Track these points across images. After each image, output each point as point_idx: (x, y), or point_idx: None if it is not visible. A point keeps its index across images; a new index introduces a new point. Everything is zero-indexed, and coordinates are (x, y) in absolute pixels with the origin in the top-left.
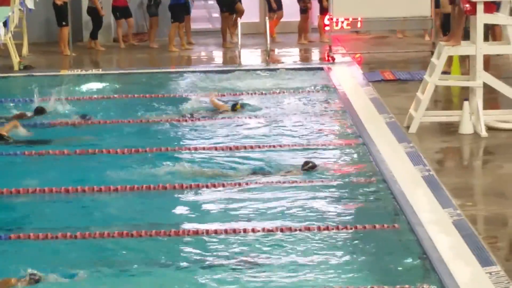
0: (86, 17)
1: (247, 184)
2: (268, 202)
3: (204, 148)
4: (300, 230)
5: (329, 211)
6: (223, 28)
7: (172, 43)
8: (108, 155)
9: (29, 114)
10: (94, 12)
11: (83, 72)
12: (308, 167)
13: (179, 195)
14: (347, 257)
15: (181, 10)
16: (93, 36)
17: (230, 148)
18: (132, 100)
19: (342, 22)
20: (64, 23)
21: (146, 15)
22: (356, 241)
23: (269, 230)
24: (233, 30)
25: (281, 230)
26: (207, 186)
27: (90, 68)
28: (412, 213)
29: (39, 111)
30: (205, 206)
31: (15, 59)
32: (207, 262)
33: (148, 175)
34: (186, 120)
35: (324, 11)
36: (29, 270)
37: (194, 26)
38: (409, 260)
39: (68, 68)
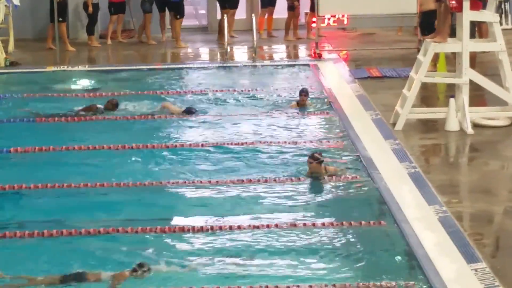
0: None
1: (234, 182)
2: (255, 199)
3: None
4: (285, 226)
5: (315, 208)
6: (222, 25)
7: (180, 39)
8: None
9: (100, 106)
10: (87, 9)
11: (69, 68)
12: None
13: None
14: (333, 254)
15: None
16: (89, 31)
17: (202, 145)
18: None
19: (329, 19)
20: (60, 19)
21: (136, 12)
22: (342, 238)
23: (255, 227)
24: (230, 26)
25: (267, 227)
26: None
27: (76, 64)
28: (398, 209)
29: (113, 104)
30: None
31: (1, 55)
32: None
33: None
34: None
35: (313, 8)
36: (139, 262)
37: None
38: (395, 256)
39: (54, 65)
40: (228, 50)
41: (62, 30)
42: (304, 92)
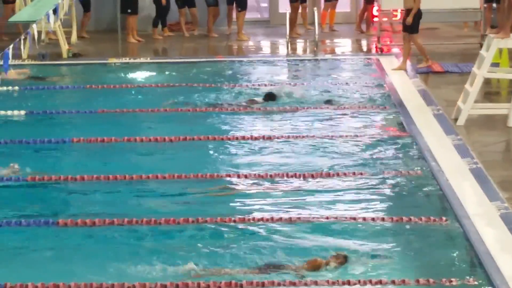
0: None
1: (296, 176)
2: (316, 192)
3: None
4: (345, 219)
5: (375, 202)
6: (291, 18)
7: (242, 32)
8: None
9: (258, 100)
10: (158, 0)
11: (131, 60)
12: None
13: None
14: (392, 249)
15: None
16: (154, 24)
17: (270, 138)
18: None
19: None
20: (130, 10)
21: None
22: (402, 233)
23: (316, 218)
24: (304, 19)
25: (327, 218)
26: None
27: (138, 56)
28: (459, 205)
29: (270, 96)
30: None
31: (64, 46)
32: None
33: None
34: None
35: (370, 2)
36: (333, 252)
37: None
38: (456, 253)
39: (116, 56)
40: (289, 44)
41: (132, 22)
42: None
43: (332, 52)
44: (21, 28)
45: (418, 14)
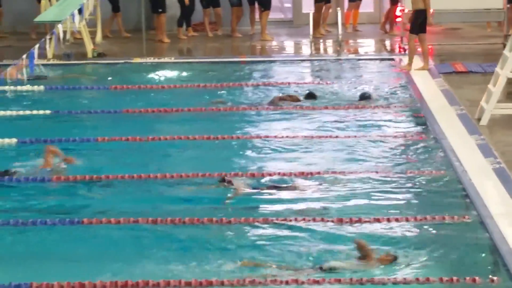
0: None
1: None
2: (339, 192)
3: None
4: (369, 221)
5: (398, 202)
6: (315, 18)
7: (265, 32)
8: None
9: (300, 98)
10: (182, 0)
11: (156, 60)
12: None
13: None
14: (415, 248)
15: None
16: (178, 24)
17: (295, 137)
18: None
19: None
20: (160, 10)
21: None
22: (425, 233)
23: (339, 220)
24: (324, 20)
25: (350, 221)
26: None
27: (162, 56)
28: (482, 205)
29: (310, 95)
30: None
31: (89, 46)
32: None
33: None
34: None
35: (394, 2)
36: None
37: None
38: (479, 252)
39: (141, 56)
40: (313, 44)
41: (162, 21)
42: (365, 97)
43: (356, 52)
44: (47, 28)
45: (423, 15)
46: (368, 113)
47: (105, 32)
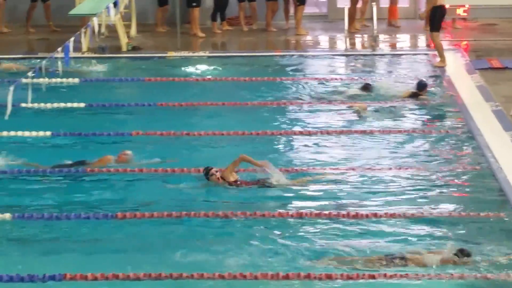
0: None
1: (354, 169)
2: (374, 187)
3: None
4: (403, 216)
5: (433, 198)
6: (350, 12)
7: (300, 26)
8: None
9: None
10: None
11: (190, 54)
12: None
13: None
14: (450, 244)
15: None
16: (212, 18)
17: (328, 133)
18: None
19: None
20: (194, 4)
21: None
22: (459, 228)
23: (374, 215)
24: (362, 14)
25: (385, 215)
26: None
27: (197, 50)
28: None
29: (366, 87)
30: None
31: (124, 40)
32: None
33: None
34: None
35: None
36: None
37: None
38: None
39: (175, 50)
40: (348, 38)
41: (195, 15)
42: (423, 86)
43: (391, 47)
44: (85, 21)
45: (440, 13)
46: (403, 108)
47: (159, 27)
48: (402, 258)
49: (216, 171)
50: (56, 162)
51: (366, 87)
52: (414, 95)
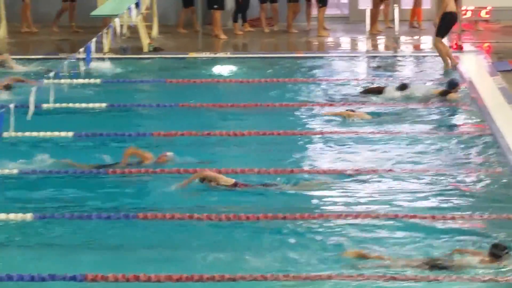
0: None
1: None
2: (396, 187)
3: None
4: (425, 218)
5: (455, 200)
6: (372, 14)
7: (322, 27)
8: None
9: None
10: None
11: (211, 55)
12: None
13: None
14: (473, 246)
15: None
16: (234, 19)
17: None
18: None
19: (472, 11)
20: (216, 6)
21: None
22: (483, 230)
23: (396, 216)
24: (385, 16)
25: (405, 217)
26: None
27: (218, 51)
28: None
29: (403, 87)
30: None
31: (145, 41)
32: None
33: None
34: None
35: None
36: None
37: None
38: None
39: (196, 51)
40: (369, 40)
41: (217, 17)
42: (454, 84)
43: (414, 48)
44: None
45: (449, 19)
46: (424, 109)
47: (180, 29)
48: (441, 261)
49: (210, 181)
50: (79, 162)
51: (403, 87)
52: (445, 93)
